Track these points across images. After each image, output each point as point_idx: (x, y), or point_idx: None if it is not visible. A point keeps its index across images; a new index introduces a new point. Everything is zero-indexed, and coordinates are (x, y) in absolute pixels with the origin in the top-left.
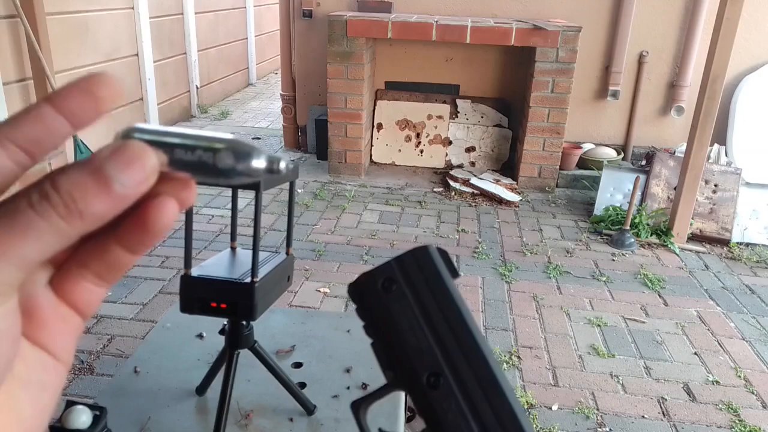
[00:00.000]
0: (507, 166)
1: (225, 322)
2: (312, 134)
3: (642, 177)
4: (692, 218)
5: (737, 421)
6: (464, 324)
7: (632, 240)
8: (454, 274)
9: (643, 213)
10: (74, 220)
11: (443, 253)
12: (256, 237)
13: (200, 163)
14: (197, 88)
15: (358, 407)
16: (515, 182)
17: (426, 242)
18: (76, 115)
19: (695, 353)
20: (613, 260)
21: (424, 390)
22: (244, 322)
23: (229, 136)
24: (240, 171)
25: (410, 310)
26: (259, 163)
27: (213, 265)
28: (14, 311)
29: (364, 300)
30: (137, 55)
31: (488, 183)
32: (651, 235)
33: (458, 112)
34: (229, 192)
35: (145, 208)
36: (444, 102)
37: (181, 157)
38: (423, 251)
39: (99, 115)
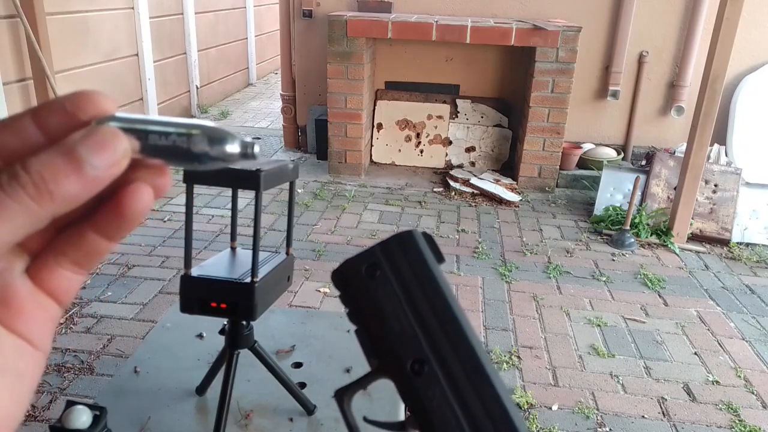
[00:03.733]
0: (507, 166)
1: (225, 322)
2: (312, 134)
3: (642, 177)
4: (692, 218)
5: (737, 421)
6: (449, 309)
7: (632, 240)
8: (440, 259)
9: (643, 213)
10: (45, 201)
11: (428, 238)
12: (256, 237)
13: (174, 148)
14: (197, 88)
15: (342, 396)
16: (515, 182)
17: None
18: (54, 131)
19: (695, 353)
20: (613, 260)
21: (409, 377)
22: (244, 322)
23: (204, 122)
24: (214, 156)
25: (394, 296)
26: (233, 147)
27: (213, 265)
28: None
29: (347, 286)
30: (137, 55)
31: (488, 183)
32: (651, 235)
33: (458, 112)
34: (229, 192)
35: (120, 194)
36: (444, 102)
37: (155, 143)
38: (407, 236)
39: (73, 130)
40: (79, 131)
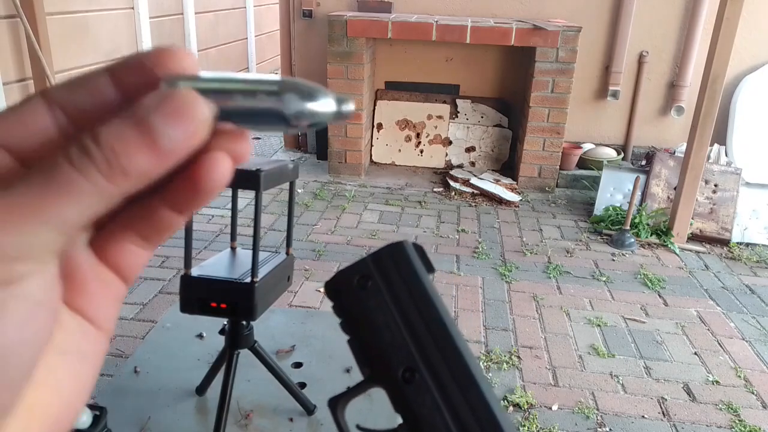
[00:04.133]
0: (507, 166)
1: (225, 322)
2: (312, 134)
3: (642, 177)
4: (692, 218)
5: (737, 421)
6: (439, 319)
7: (632, 240)
8: (430, 269)
9: (643, 213)
10: (117, 178)
11: (419, 249)
12: (256, 237)
13: (263, 109)
14: None
15: (336, 404)
16: (515, 182)
17: (425, 242)
18: (132, 90)
19: (695, 353)
20: (613, 260)
21: (400, 385)
22: (244, 322)
23: (287, 77)
24: (308, 115)
25: (385, 306)
26: (328, 104)
27: (213, 265)
28: (53, 280)
29: (340, 297)
30: None
31: (488, 183)
32: (651, 235)
33: (458, 112)
34: (229, 192)
35: (196, 164)
36: (444, 102)
37: (241, 105)
38: (398, 247)
39: (153, 89)
40: (152, 95)
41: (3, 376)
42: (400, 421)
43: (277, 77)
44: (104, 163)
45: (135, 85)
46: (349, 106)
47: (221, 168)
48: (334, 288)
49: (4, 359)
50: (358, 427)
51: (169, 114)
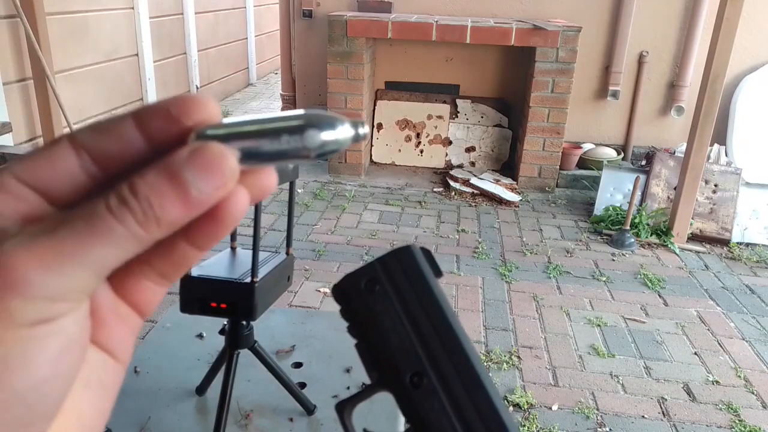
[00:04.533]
0: (507, 166)
1: (225, 322)
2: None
3: (642, 177)
4: (692, 218)
5: (737, 421)
6: (447, 323)
7: (632, 240)
8: (438, 273)
9: (643, 213)
10: (151, 226)
11: (426, 253)
12: (256, 237)
13: (287, 149)
14: (197, 88)
15: (343, 408)
16: (515, 182)
17: (425, 242)
18: (156, 137)
19: (695, 353)
20: (613, 260)
21: (408, 389)
22: (244, 322)
23: (302, 111)
24: (329, 145)
25: (393, 310)
26: (346, 131)
27: (213, 265)
28: (86, 319)
29: (347, 301)
30: (137, 55)
31: (488, 183)
32: (651, 235)
33: (458, 112)
34: None
35: (219, 202)
36: (444, 102)
37: (266, 148)
38: (406, 251)
39: (180, 139)
40: (184, 149)
41: (38, 408)
42: (400, 425)
43: (298, 112)
44: (140, 212)
45: (160, 131)
46: (365, 129)
47: (240, 203)
48: (342, 291)
49: (40, 392)
50: (365, 431)
51: (200, 168)
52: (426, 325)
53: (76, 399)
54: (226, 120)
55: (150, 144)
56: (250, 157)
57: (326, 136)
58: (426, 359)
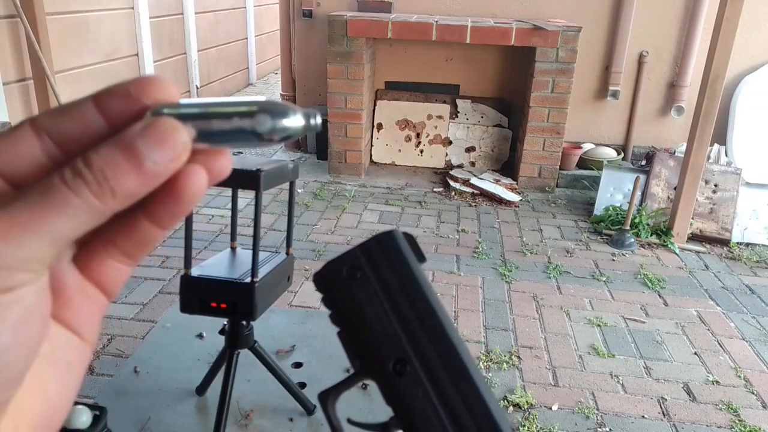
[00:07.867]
0: (507, 166)
1: (225, 322)
2: (312, 135)
3: (642, 177)
4: (692, 218)
5: (737, 421)
6: (430, 309)
7: (632, 240)
8: (421, 258)
9: (643, 213)
10: (107, 198)
11: (409, 238)
12: (256, 237)
13: (238, 130)
14: (197, 88)
15: (326, 398)
16: (515, 182)
17: (425, 242)
18: (116, 117)
19: (695, 353)
20: (613, 260)
21: (391, 377)
22: (244, 322)
23: (258, 98)
24: (279, 131)
25: (375, 297)
26: (297, 120)
27: (213, 265)
28: (45, 290)
29: (329, 289)
30: (137, 55)
31: (488, 183)
32: (651, 235)
33: (458, 112)
34: (229, 192)
35: (175, 177)
36: (444, 102)
37: (217, 128)
38: (388, 236)
39: (139, 119)
40: (138, 123)
41: (1, 375)
42: (392, 413)
43: (255, 98)
44: (95, 184)
45: (120, 112)
46: (317, 120)
47: (198, 180)
48: (323, 279)
49: (2, 359)
50: (349, 420)
51: (153, 139)
52: (409, 311)
53: (42, 376)
54: (184, 101)
55: (110, 125)
56: (203, 136)
57: (277, 122)
58: (409, 346)
